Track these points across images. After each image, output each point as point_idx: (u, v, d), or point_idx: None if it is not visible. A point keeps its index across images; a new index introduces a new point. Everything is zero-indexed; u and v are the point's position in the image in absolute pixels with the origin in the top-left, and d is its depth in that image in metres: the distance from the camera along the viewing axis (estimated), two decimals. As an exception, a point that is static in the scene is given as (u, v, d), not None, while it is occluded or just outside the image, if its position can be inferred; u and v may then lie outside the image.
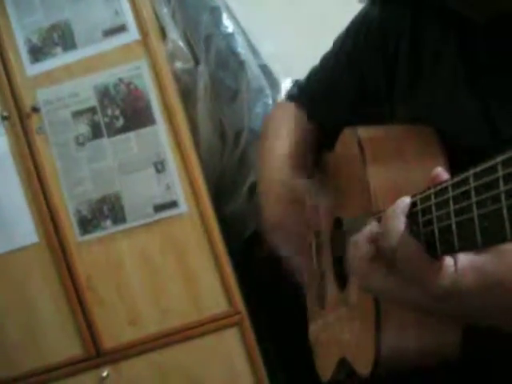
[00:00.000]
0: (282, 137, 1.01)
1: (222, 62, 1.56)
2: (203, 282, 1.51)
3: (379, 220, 0.59)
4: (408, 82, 0.80)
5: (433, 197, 0.52)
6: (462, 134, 0.71)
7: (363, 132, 0.76)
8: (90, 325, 1.52)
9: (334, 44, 0.96)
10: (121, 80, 1.51)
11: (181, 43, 1.58)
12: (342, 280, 0.85)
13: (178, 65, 1.59)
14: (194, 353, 1.52)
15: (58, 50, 1.53)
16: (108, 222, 1.52)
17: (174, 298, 1.52)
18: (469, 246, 0.48)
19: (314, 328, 1.02)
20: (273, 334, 1.61)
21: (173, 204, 1.51)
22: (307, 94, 1.02)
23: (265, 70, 1.60)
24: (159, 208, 1.51)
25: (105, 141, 1.52)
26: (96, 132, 1.52)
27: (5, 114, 1.51)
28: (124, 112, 1.51)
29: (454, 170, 0.56)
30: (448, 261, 0.53)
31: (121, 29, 1.52)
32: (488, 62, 0.69)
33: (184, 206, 1.51)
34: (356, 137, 0.75)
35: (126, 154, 1.51)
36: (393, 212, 0.56)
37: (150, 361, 1.52)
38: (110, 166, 1.52)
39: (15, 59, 1.52)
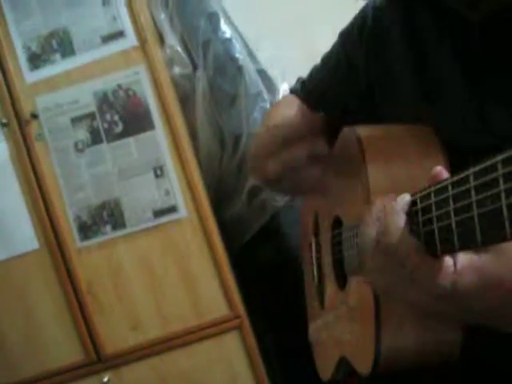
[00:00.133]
0: (283, 116, 0.96)
1: (219, 68, 1.57)
2: (203, 286, 1.51)
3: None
4: (404, 81, 0.80)
5: (433, 195, 0.52)
6: (459, 134, 0.71)
7: (362, 131, 0.76)
8: (90, 330, 1.52)
9: (334, 44, 0.96)
10: (119, 86, 1.52)
11: (179, 49, 1.59)
12: (341, 279, 0.85)
13: (177, 70, 1.59)
14: (194, 357, 1.52)
15: (57, 56, 1.53)
16: (108, 228, 1.52)
17: (174, 302, 1.51)
18: (469, 245, 0.48)
19: (313, 327, 1.02)
20: (273, 337, 1.61)
21: (172, 209, 1.51)
22: (310, 90, 0.99)
23: (263, 74, 1.60)
24: (159, 213, 1.51)
25: (104, 146, 1.52)
26: (95, 138, 1.52)
27: (4, 120, 1.52)
28: (123, 117, 1.51)
29: (453, 169, 0.56)
30: (448, 261, 0.54)
31: (119, 35, 1.52)
32: (483, 60, 0.69)
33: (183, 211, 1.51)
34: (355, 135, 0.75)
35: (126, 159, 1.52)
36: (392, 208, 0.56)
37: (150, 366, 1.52)
38: (109, 172, 1.52)
39: (14, 66, 1.53)
